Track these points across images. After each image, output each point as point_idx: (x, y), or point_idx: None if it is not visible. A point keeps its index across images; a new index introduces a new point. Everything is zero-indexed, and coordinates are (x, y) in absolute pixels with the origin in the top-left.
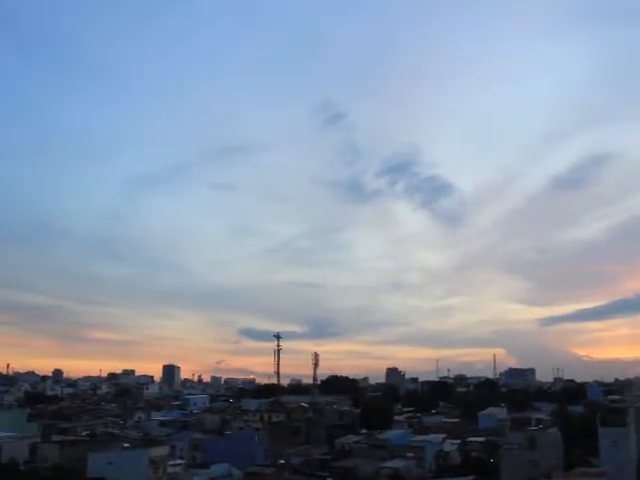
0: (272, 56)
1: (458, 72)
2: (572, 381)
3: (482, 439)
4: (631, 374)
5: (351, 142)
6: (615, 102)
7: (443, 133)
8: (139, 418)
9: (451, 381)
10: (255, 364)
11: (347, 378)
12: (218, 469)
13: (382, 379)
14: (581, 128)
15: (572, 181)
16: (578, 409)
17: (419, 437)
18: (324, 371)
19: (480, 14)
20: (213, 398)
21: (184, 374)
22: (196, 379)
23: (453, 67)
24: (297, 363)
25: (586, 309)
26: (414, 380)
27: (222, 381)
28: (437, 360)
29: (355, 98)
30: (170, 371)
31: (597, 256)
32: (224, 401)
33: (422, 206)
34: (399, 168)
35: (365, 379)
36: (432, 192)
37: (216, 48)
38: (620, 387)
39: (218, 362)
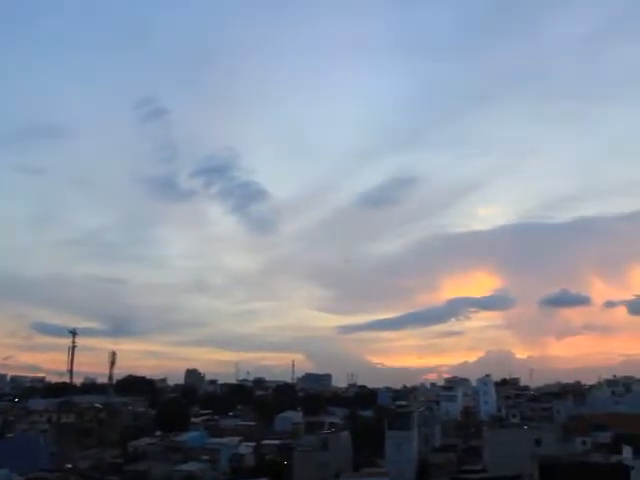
0: (94, 39)
1: (281, 83)
2: (365, 387)
3: (277, 442)
4: (417, 381)
5: (170, 139)
6: (421, 129)
7: (262, 140)
8: None
9: (250, 384)
10: (47, 361)
11: (145, 378)
12: None
13: (181, 380)
14: (389, 151)
15: (378, 199)
16: (369, 413)
17: (215, 440)
18: (122, 370)
19: (308, 30)
20: None
21: None
22: None
23: (278, 78)
24: (93, 361)
25: (381, 320)
26: (213, 382)
27: (8, 378)
28: (237, 363)
29: (178, 96)
30: None
31: (395, 271)
32: (9, 400)
33: (235, 210)
34: (216, 170)
35: (163, 380)
36: (246, 197)
37: (33, 26)
38: (407, 393)
39: (5, 358)
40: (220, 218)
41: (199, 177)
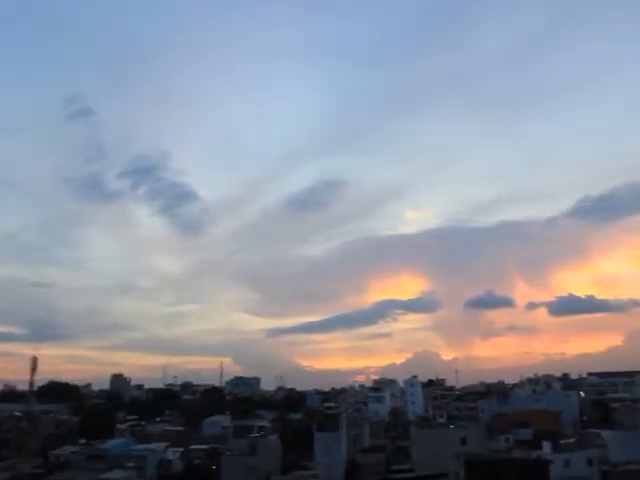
0: (20, 34)
1: (211, 86)
2: (294, 390)
3: (206, 446)
4: (346, 383)
5: (96, 139)
6: (349, 133)
7: (192, 142)
8: None
9: (177, 388)
10: None
11: (68, 384)
12: None
13: (107, 386)
14: (318, 154)
15: (306, 202)
16: (298, 416)
17: (141, 446)
18: (44, 376)
19: (240, 35)
20: None
21: None
22: None
23: (207, 80)
24: (12, 367)
25: (310, 322)
26: (139, 387)
27: None
28: (164, 367)
29: (107, 96)
30: None
31: (323, 273)
32: None
33: (163, 211)
34: (144, 171)
35: (88, 385)
36: (175, 198)
37: None
38: (335, 395)
39: None
40: (147, 220)
41: (126, 178)
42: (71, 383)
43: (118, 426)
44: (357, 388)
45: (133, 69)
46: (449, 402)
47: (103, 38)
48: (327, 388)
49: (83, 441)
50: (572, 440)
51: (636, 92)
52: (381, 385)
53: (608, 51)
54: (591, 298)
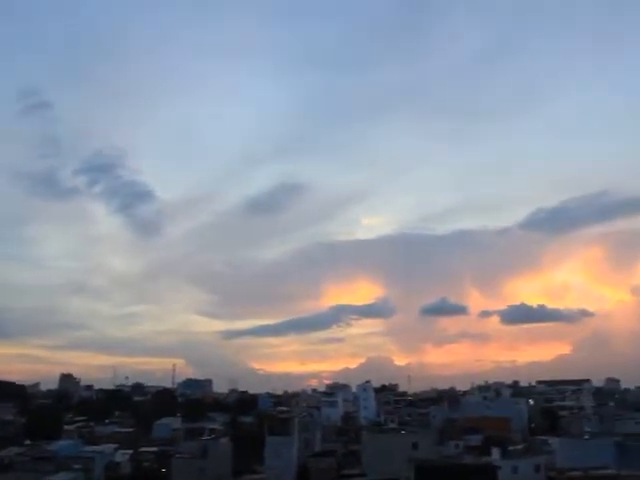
0: None
1: (170, 84)
2: (246, 392)
3: (155, 449)
4: (299, 387)
5: (52, 135)
6: (309, 137)
7: (150, 141)
8: None
9: (128, 389)
10: None
11: (14, 383)
12: None
13: (56, 385)
14: (277, 157)
15: (264, 205)
16: (250, 419)
17: (89, 448)
18: None
19: (200, 33)
20: None
21: None
22: None
23: (167, 79)
24: None
25: (264, 325)
26: (89, 387)
27: None
28: (114, 367)
29: (65, 91)
30: None
31: (279, 277)
32: None
33: (119, 210)
34: (101, 169)
35: (35, 385)
36: (131, 197)
37: None
38: (288, 399)
39: None
40: (103, 218)
41: (83, 175)
42: (17, 382)
43: (66, 427)
44: (310, 392)
45: (91, 65)
46: (401, 407)
47: (61, 32)
48: (280, 392)
49: (29, 442)
50: (520, 446)
51: (588, 107)
52: (334, 390)
53: (561, 66)
54: (542, 307)
